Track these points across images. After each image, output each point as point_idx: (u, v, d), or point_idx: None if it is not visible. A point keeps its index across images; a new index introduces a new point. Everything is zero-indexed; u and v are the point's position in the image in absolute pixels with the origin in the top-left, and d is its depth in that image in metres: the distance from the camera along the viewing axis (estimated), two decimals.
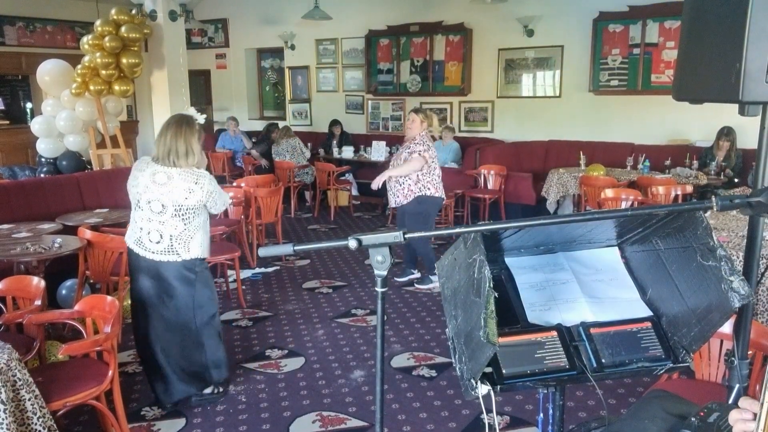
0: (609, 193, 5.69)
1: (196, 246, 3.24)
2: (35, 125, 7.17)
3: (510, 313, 1.61)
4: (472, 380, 1.43)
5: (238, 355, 4.18)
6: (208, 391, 3.52)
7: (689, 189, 5.79)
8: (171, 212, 3.16)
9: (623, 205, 5.49)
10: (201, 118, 3.37)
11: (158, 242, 3.18)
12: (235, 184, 6.76)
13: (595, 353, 1.55)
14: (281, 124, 9.96)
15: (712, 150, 6.80)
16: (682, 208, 1.61)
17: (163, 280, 3.24)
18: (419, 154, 5.19)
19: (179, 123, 3.23)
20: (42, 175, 6.91)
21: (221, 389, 3.58)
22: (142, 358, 3.49)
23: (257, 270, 6.05)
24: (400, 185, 5.29)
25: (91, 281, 4.58)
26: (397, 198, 5.35)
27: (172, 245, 3.18)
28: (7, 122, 10.43)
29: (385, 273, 1.38)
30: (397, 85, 9.75)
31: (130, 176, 3.29)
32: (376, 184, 5.37)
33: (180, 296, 3.28)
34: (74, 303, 3.76)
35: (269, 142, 9.26)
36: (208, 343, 3.41)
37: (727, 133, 6.64)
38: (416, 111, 5.41)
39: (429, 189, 5.30)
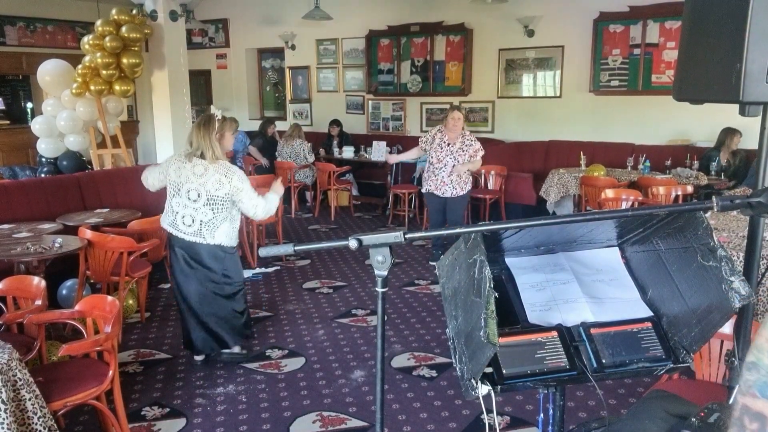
0: (609, 193, 5.69)
1: (221, 235, 3.74)
2: (36, 125, 7.17)
3: (510, 313, 1.60)
4: (473, 380, 1.43)
5: None
6: (236, 349, 4.03)
7: (690, 189, 5.78)
8: (204, 201, 3.67)
9: (624, 206, 5.48)
10: (219, 113, 3.86)
11: (190, 225, 3.71)
12: None
13: (595, 353, 1.54)
14: (280, 123, 9.94)
15: (717, 150, 6.67)
16: (682, 209, 1.61)
17: (196, 253, 3.77)
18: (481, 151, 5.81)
19: (198, 125, 3.74)
20: (42, 175, 6.91)
21: (246, 351, 4.11)
22: (181, 316, 4.01)
23: (258, 270, 6.05)
24: (460, 177, 5.80)
25: (92, 281, 4.58)
26: (455, 190, 5.82)
27: (200, 230, 3.70)
28: (8, 122, 10.42)
29: (385, 273, 1.38)
30: (397, 86, 9.74)
31: (170, 168, 3.75)
32: (455, 172, 5.72)
33: (211, 267, 3.80)
34: (75, 303, 3.77)
35: (265, 138, 9.26)
36: (238, 299, 3.98)
37: (732, 131, 6.52)
38: (458, 108, 5.85)
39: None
